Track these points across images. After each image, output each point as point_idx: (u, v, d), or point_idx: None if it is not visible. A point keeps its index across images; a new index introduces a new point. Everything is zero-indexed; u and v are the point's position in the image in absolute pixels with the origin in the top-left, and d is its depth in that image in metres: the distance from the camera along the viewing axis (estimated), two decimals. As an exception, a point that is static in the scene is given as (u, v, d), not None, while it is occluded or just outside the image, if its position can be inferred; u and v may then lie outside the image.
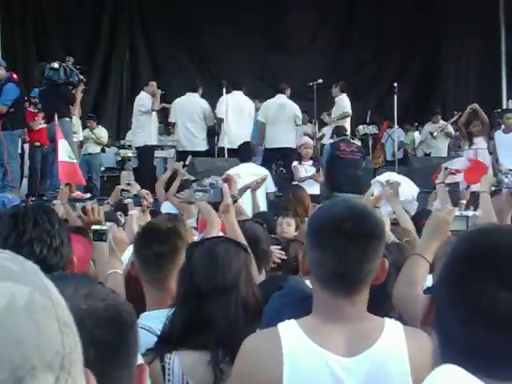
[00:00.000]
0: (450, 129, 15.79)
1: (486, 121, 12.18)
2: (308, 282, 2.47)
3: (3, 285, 0.87)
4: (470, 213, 3.41)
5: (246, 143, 11.39)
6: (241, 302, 2.73)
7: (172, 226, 3.53)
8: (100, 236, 4.11)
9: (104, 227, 4.20)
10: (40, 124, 12.41)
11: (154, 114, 12.84)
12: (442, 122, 15.92)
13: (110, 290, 1.47)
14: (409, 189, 6.84)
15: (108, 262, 3.93)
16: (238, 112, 12.79)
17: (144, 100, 12.76)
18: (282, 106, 12.56)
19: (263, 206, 9.37)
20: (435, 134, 15.64)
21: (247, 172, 9.75)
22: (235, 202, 4.12)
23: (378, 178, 7.06)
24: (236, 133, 12.59)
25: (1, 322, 0.84)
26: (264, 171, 10.26)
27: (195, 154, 12.59)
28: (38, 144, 12.65)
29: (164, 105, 13.52)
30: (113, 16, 18.55)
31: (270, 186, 10.11)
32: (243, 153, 10.77)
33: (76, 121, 13.00)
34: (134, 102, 13.02)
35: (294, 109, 12.61)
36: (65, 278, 1.43)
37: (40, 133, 12.49)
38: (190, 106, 12.93)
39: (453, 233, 3.31)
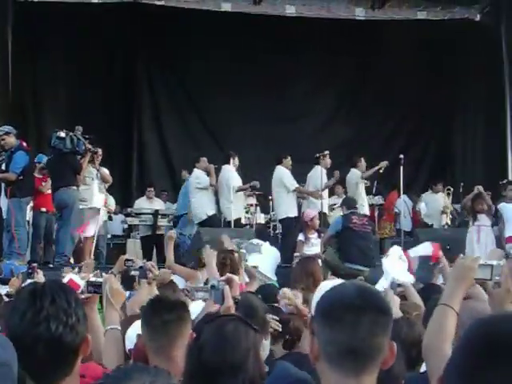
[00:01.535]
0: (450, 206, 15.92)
1: (489, 203, 12.70)
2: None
3: None
4: (494, 262, 3.37)
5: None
6: (248, 382, 2.72)
7: (179, 299, 3.82)
8: (95, 288, 4.08)
9: (99, 279, 4.18)
10: (48, 189, 12.44)
11: (211, 188, 13.32)
12: (441, 194, 15.95)
13: None
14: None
15: (105, 316, 3.92)
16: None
17: (200, 177, 13.37)
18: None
19: (272, 275, 9.46)
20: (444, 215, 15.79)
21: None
22: (236, 303, 4.15)
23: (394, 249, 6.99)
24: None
25: None
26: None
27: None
28: (43, 210, 12.53)
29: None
30: (121, 88, 18.75)
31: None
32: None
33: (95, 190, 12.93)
34: (190, 180, 13.64)
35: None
36: (143, 370, 1.47)
37: (46, 198, 12.47)
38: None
39: (477, 281, 3.28)
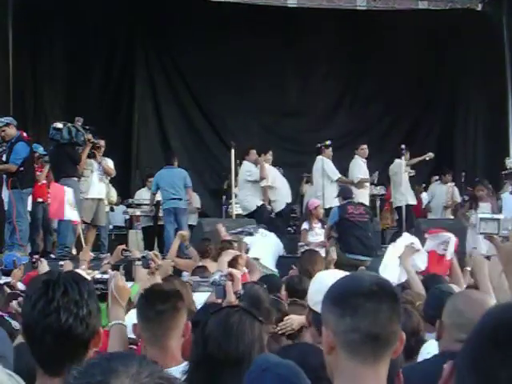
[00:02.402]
0: (457, 198, 15.88)
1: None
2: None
3: None
4: (501, 216, 3.37)
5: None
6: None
7: (174, 288, 3.80)
8: (101, 285, 4.10)
9: (105, 276, 4.21)
10: (44, 179, 12.47)
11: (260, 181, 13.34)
12: (449, 184, 15.87)
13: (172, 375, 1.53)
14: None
15: (110, 312, 3.95)
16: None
17: (251, 170, 13.32)
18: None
19: (273, 267, 9.52)
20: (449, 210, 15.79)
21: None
22: (239, 297, 4.16)
23: (408, 235, 6.98)
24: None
25: None
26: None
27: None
28: (39, 200, 12.50)
29: None
30: (120, 80, 18.69)
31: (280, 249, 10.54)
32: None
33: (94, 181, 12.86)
34: (240, 172, 13.58)
35: None
36: (128, 357, 1.47)
37: (42, 188, 12.47)
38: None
39: (485, 235, 3.29)
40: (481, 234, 3.28)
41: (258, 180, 13.24)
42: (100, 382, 1.38)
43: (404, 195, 13.97)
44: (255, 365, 2.46)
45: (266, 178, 13.29)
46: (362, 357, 2.11)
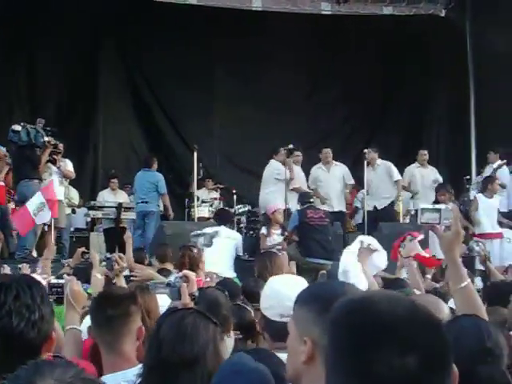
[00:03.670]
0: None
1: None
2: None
3: None
4: (443, 206, 3.41)
5: (224, 209, 12.76)
6: (207, 376, 2.68)
7: (127, 292, 3.71)
8: (56, 291, 4.08)
9: (61, 281, 4.20)
10: (1, 180, 12.35)
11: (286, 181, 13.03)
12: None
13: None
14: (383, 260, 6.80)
15: (65, 316, 3.93)
16: None
17: (280, 169, 13.01)
18: None
19: (231, 271, 9.52)
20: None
21: (224, 234, 10.50)
22: (194, 299, 4.14)
23: (362, 237, 6.99)
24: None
25: None
26: (236, 235, 11.09)
27: None
28: (-4, 202, 12.39)
29: None
30: (85, 81, 18.53)
31: (239, 250, 10.78)
32: (222, 216, 11.55)
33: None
34: (266, 171, 13.32)
35: None
36: (54, 362, 1.52)
37: (-1, 190, 12.41)
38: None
39: (427, 225, 3.33)
40: (422, 223, 3.31)
41: (285, 180, 12.86)
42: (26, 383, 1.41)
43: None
44: (228, 364, 2.43)
45: (300, 180, 13.45)
46: None
